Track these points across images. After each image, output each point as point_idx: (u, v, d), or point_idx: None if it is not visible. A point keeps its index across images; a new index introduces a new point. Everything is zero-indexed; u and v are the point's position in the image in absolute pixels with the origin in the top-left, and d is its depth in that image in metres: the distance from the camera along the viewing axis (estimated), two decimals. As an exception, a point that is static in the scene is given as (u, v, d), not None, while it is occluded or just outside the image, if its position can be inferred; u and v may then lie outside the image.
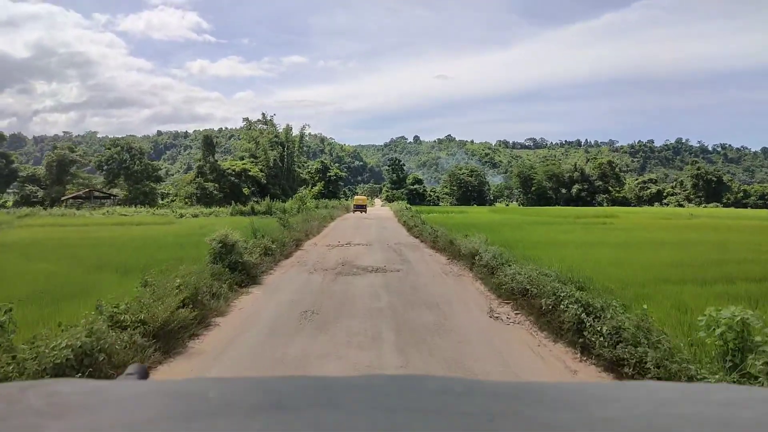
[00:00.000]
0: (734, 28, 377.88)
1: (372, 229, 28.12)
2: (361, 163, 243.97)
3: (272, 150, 77.64)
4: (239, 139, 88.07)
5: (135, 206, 63.01)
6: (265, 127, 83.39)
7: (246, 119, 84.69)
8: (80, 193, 59.64)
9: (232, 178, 71.92)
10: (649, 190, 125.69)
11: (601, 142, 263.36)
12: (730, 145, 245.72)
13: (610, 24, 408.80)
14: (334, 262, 14.09)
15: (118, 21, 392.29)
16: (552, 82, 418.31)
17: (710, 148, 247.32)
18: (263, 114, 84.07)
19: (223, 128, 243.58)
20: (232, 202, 52.51)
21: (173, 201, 70.69)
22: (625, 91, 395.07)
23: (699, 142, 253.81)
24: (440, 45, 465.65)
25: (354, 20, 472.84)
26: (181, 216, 43.81)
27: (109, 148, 64.80)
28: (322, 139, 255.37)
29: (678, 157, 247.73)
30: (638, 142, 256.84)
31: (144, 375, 1.11)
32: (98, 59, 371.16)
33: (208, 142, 71.67)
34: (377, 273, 12.19)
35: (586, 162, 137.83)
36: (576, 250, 16.28)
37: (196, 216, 44.43)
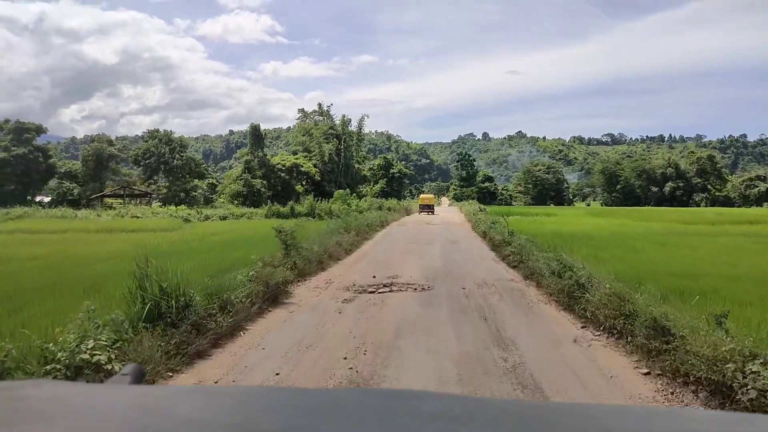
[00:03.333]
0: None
1: (436, 244, 18.67)
2: (428, 160, 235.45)
3: (327, 143, 69.82)
4: (293, 131, 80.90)
5: (175, 205, 57.09)
6: (320, 118, 75.89)
7: (301, 110, 77.69)
8: (115, 190, 54.18)
9: (283, 174, 64.87)
10: (756, 189, 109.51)
11: (686, 137, 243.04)
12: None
13: (696, 12, 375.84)
14: (323, 369, 4.93)
15: (198, 26, 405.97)
16: (631, 75, 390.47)
17: None
18: (319, 104, 76.59)
19: (292, 126, 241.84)
20: (269, 201, 44.88)
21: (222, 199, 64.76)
22: (713, 82, 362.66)
23: None
24: (511, 40, 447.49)
25: (423, 17, 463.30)
26: (206, 218, 36.33)
27: (146, 141, 58.95)
28: (389, 137, 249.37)
29: None
30: (729, 137, 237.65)
31: (139, 377, 1.05)
32: (179, 63, 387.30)
33: (256, 134, 64.77)
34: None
35: (682, 157, 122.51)
36: None
37: (224, 218, 36.85)
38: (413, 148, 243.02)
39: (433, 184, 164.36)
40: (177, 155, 58.45)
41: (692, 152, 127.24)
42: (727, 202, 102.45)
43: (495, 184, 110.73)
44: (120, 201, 54.23)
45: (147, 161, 57.65)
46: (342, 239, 15.81)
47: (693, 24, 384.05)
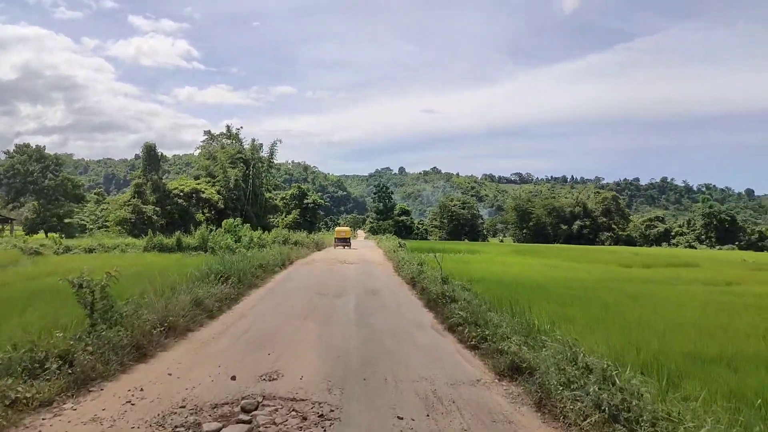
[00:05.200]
0: (713, 72, 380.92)
1: (350, 297, 13.59)
2: (345, 193, 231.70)
3: (233, 168, 63.28)
4: (194, 154, 73.16)
5: (45, 233, 48.22)
6: (228, 141, 69.27)
7: (207, 132, 70.83)
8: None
9: (180, 201, 57.52)
10: (656, 229, 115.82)
11: (587, 179, 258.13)
12: (714, 186, 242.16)
13: (594, 65, 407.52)
14: None
15: (108, 46, 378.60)
16: (537, 120, 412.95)
17: (695, 188, 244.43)
18: (228, 126, 69.98)
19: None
20: (159, 231, 38.12)
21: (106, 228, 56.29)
22: (610, 130, 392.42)
23: (684, 181, 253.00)
24: (427, 80, 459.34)
25: (343, 53, 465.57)
26: (66, 250, 29.13)
27: (11, 156, 49.52)
28: (306, 167, 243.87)
29: (663, 195, 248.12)
30: (624, 180, 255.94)
31: None
32: (85, 83, 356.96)
33: (151, 154, 57.02)
34: None
35: (587, 198, 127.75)
36: None
37: (90, 250, 29.77)
38: (330, 180, 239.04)
39: (350, 216, 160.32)
40: (50, 174, 49.54)
41: (598, 192, 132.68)
42: (630, 241, 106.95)
43: (411, 218, 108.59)
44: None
45: (10, 180, 48.19)
46: (208, 292, 10.42)
47: (591, 76, 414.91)
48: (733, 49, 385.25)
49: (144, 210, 52.74)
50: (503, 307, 10.75)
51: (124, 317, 7.42)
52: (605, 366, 4.89)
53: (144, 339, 7.02)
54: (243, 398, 5.41)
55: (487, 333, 7.84)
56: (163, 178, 69.55)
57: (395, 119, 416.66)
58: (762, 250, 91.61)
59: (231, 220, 31.82)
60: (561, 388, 4.82)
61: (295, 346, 7.78)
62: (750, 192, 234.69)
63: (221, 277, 12.44)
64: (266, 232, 43.98)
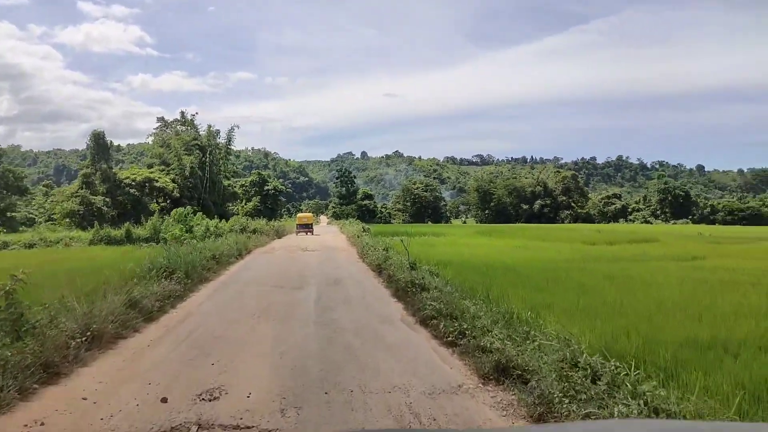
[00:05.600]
0: (665, 53, 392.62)
1: (311, 289, 12.46)
2: (307, 178, 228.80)
3: (188, 155, 60.74)
4: (149, 143, 69.92)
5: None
6: (183, 128, 66.55)
7: (161, 119, 67.86)
8: None
9: (132, 191, 54.94)
10: (613, 206, 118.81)
11: (546, 159, 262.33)
12: (667, 162, 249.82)
13: (551, 47, 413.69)
14: None
15: (56, 33, 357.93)
16: (497, 102, 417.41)
17: (649, 165, 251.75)
18: (182, 112, 67.28)
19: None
20: (109, 223, 36.08)
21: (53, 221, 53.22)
22: (568, 111, 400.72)
23: (638, 159, 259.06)
24: (388, 64, 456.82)
25: (303, 38, 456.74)
26: (4, 246, 26.99)
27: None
28: (266, 154, 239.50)
29: (619, 173, 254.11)
30: (581, 159, 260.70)
31: None
32: (32, 72, 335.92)
33: (100, 143, 54.12)
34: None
35: (548, 176, 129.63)
36: None
37: (31, 245, 27.65)
38: (291, 166, 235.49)
39: (312, 202, 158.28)
40: (-12, 166, 46.31)
41: (558, 171, 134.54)
42: (588, 219, 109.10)
43: (374, 202, 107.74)
44: None
45: (-58, 173, 44.85)
46: (147, 291, 9.16)
47: (548, 57, 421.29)
48: (684, 30, 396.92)
49: (93, 201, 50.16)
50: (478, 294, 9.96)
51: (36, 327, 6.18)
52: (615, 369, 4.03)
53: (56, 354, 5.78)
54: (172, 429, 4.31)
55: (464, 326, 6.93)
56: (117, 168, 66.45)
57: (356, 104, 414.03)
58: (713, 223, 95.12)
59: (181, 209, 30.07)
60: (567, 401, 3.94)
61: (244, 353, 6.68)
62: (701, 168, 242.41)
63: (165, 271, 11.16)
64: (224, 220, 42.31)
